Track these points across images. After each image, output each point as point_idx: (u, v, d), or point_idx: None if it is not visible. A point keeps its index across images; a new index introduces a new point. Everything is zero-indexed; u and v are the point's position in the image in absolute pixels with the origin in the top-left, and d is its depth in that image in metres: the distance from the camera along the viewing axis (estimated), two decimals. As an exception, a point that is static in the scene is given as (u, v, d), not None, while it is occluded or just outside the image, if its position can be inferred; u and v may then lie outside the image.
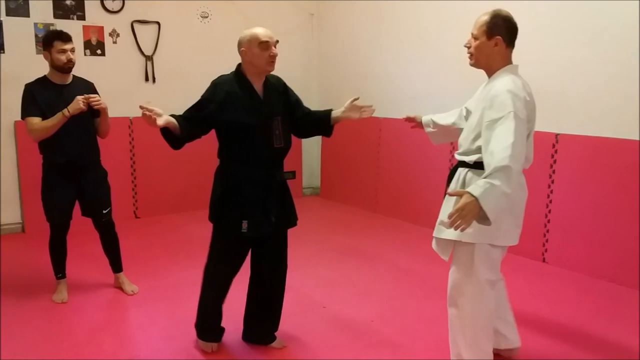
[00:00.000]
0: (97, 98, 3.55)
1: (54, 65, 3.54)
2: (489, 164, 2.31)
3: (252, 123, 2.84)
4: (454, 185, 2.68)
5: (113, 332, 3.37)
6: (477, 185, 2.26)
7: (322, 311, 3.65)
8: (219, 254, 3.02)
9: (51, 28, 5.26)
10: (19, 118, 5.08)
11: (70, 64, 3.55)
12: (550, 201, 4.44)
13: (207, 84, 6.11)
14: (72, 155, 3.61)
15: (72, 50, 3.55)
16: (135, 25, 5.79)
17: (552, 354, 3.09)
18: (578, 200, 4.31)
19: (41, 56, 5.15)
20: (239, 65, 2.97)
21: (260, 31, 2.87)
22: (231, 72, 2.98)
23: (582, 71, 4.25)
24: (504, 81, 2.47)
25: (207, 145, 6.56)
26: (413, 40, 5.73)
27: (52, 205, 3.65)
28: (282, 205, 3.00)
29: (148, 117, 2.65)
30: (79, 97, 3.46)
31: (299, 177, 6.96)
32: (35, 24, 5.26)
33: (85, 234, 4.08)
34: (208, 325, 3.14)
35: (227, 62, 6.26)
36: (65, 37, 3.54)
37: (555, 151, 4.38)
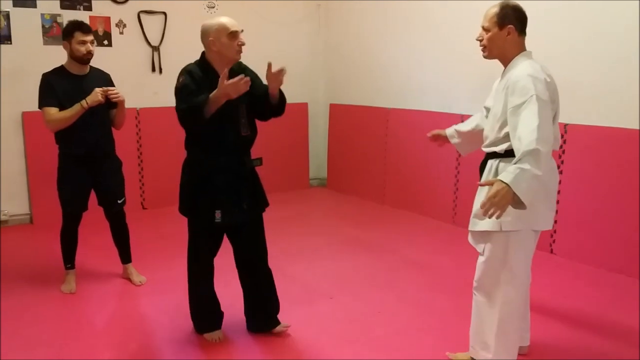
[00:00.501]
0: (116, 91, 3.57)
1: (72, 56, 3.55)
2: (518, 149, 2.34)
3: (220, 112, 2.79)
4: (485, 177, 2.64)
5: (121, 323, 3.39)
6: (507, 172, 2.29)
7: (329, 302, 3.65)
8: (197, 244, 3.07)
9: (58, 19, 5.26)
10: (26, 109, 5.14)
11: (89, 55, 3.56)
12: (559, 192, 4.40)
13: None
14: (89, 146, 3.63)
15: (92, 41, 3.57)
16: (142, 16, 5.78)
17: (559, 345, 3.08)
18: (587, 191, 4.28)
19: (48, 47, 5.24)
20: (203, 53, 2.95)
21: (228, 21, 2.85)
22: (195, 61, 2.95)
23: (592, 61, 4.22)
24: (522, 66, 2.50)
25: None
26: (420, 30, 5.70)
27: (68, 195, 3.67)
28: (252, 192, 3.03)
29: (243, 83, 2.67)
30: (98, 90, 3.48)
31: (305, 168, 6.94)
32: (42, 15, 5.26)
33: (93, 224, 4.10)
34: (204, 314, 3.17)
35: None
36: (86, 29, 3.55)
37: (564, 141, 4.35)
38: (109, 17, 5.60)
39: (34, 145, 5.24)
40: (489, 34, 2.58)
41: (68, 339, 3.16)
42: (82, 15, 5.37)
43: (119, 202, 3.81)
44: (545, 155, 2.31)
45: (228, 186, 2.92)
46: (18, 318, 3.39)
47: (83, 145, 3.60)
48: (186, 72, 2.87)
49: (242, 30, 2.88)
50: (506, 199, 2.25)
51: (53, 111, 3.49)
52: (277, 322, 3.21)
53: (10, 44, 5.16)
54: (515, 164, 2.29)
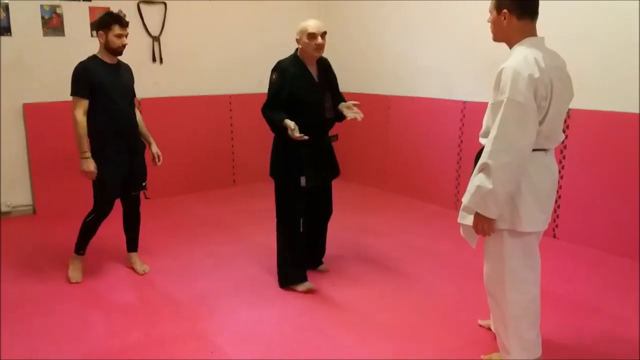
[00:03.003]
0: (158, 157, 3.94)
1: (108, 47, 3.63)
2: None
3: (310, 99, 3.49)
4: (476, 170, 2.58)
5: (126, 312, 3.40)
6: (467, 192, 2.46)
7: (332, 289, 3.66)
8: (286, 204, 3.60)
9: (57, 10, 5.24)
10: (27, 100, 5.15)
11: (123, 48, 3.67)
12: (562, 177, 4.40)
13: (215, 64, 6.20)
14: (126, 132, 3.73)
15: (127, 35, 3.67)
16: (142, 6, 5.75)
17: (563, 330, 3.09)
18: (589, 175, 4.27)
19: (48, 38, 5.23)
20: (297, 50, 3.54)
21: (311, 23, 3.43)
22: (290, 56, 3.54)
23: (593, 44, 4.19)
24: (512, 58, 2.38)
25: (214, 127, 6.56)
26: (420, 16, 5.66)
27: (109, 183, 3.68)
28: (329, 163, 3.72)
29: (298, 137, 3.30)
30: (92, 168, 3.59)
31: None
32: (42, 6, 5.23)
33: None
34: (295, 266, 3.64)
35: (234, 42, 6.24)
36: (125, 23, 3.67)
37: (567, 126, 4.34)
38: (109, 8, 5.56)
39: (35, 137, 5.23)
40: (491, 17, 2.50)
41: (72, 328, 3.18)
42: (81, 7, 5.36)
43: (144, 184, 3.92)
44: (501, 167, 2.32)
45: (311, 158, 3.51)
46: (21, 309, 3.40)
47: (122, 129, 3.70)
48: (279, 69, 3.47)
49: (325, 32, 3.44)
50: (485, 222, 2.45)
51: (83, 103, 3.57)
52: (321, 263, 3.95)
53: (10, 35, 5.13)
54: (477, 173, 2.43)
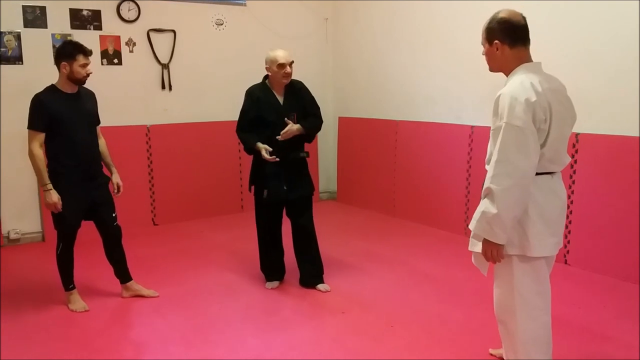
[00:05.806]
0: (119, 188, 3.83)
1: (72, 77, 3.55)
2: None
3: (273, 120, 3.84)
4: (481, 197, 2.58)
5: (132, 340, 3.37)
6: (473, 219, 2.45)
7: (342, 317, 3.62)
8: (257, 213, 4.07)
9: (68, 39, 5.30)
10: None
11: (87, 77, 3.60)
12: (572, 202, 4.37)
13: (223, 90, 6.32)
14: (85, 161, 3.65)
15: (89, 63, 3.61)
16: (151, 34, 5.83)
17: (574, 358, 3.03)
18: (600, 201, 4.23)
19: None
20: (265, 77, 3.94)
21: (280, 54, 3.78)
22: (259, 83, 3.96)
23: (602, 69, 4.19)
24: (511, 83, 2.41)
25: (222, 153, 6.58)
26: (428, 41, 5.70)
27: (67, 213, 3.59)
28: (296, 177, 3.94)
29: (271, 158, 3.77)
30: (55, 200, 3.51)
31: (315, 182, 6.93)
32: (53, 35, 5.32)
33: (89, 242, 4.06)
34: (264, 266, 4.15)
35: (242, 69, 6.32)
36: (89, 52, 3.60)
37: (576, 151, 4.32)
38: (119, 36, 5.65)
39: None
40: (484, 49, 2.54)
41: (79, 356, 3.15)
42: (92, 35, 5.43)
43: (114, 215, 3.81)
44: (504, 191, 2.31)
45: (275, 174, 3.86)
46: (28, 336, 3.38)
47: (80, 160, 3.61)
48: (248, 93, 3.94)
49: (292, 62, 3.82)
50: (493, 248, 2.41)
51: (39, 137, 3.53)
52: (321, 281, 4.04)
53: (22, 64, 5.21)
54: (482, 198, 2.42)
